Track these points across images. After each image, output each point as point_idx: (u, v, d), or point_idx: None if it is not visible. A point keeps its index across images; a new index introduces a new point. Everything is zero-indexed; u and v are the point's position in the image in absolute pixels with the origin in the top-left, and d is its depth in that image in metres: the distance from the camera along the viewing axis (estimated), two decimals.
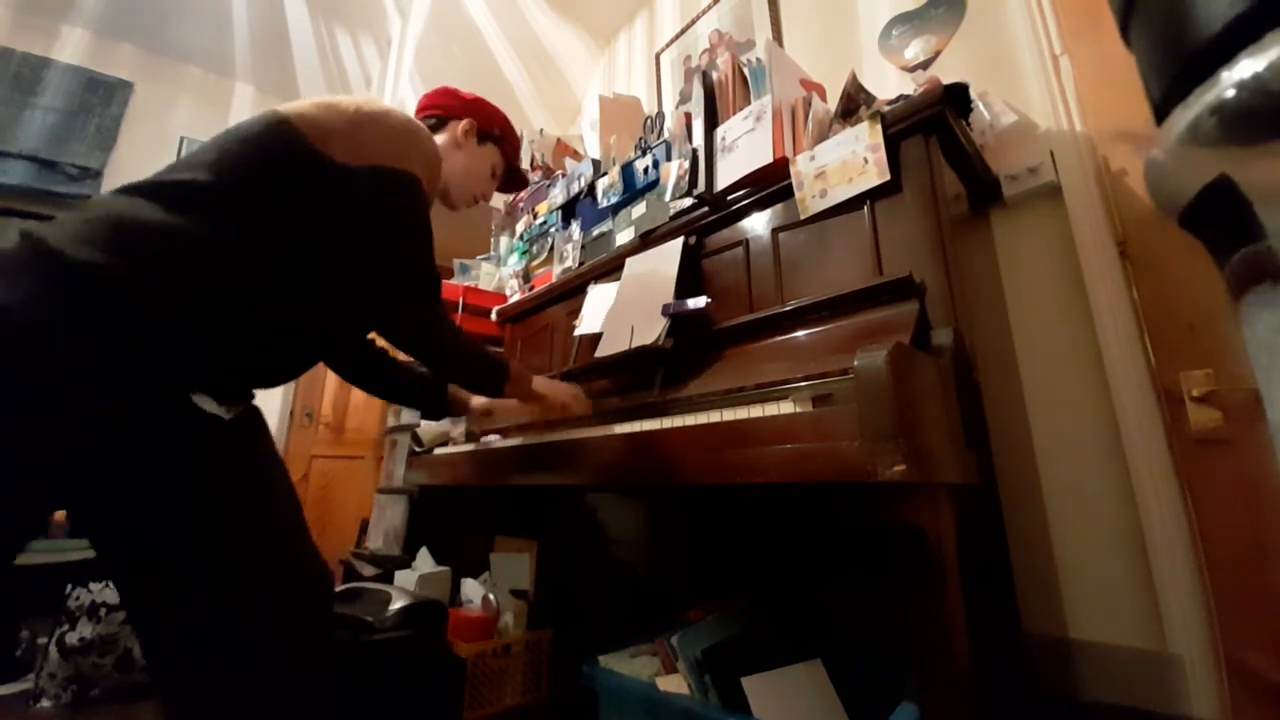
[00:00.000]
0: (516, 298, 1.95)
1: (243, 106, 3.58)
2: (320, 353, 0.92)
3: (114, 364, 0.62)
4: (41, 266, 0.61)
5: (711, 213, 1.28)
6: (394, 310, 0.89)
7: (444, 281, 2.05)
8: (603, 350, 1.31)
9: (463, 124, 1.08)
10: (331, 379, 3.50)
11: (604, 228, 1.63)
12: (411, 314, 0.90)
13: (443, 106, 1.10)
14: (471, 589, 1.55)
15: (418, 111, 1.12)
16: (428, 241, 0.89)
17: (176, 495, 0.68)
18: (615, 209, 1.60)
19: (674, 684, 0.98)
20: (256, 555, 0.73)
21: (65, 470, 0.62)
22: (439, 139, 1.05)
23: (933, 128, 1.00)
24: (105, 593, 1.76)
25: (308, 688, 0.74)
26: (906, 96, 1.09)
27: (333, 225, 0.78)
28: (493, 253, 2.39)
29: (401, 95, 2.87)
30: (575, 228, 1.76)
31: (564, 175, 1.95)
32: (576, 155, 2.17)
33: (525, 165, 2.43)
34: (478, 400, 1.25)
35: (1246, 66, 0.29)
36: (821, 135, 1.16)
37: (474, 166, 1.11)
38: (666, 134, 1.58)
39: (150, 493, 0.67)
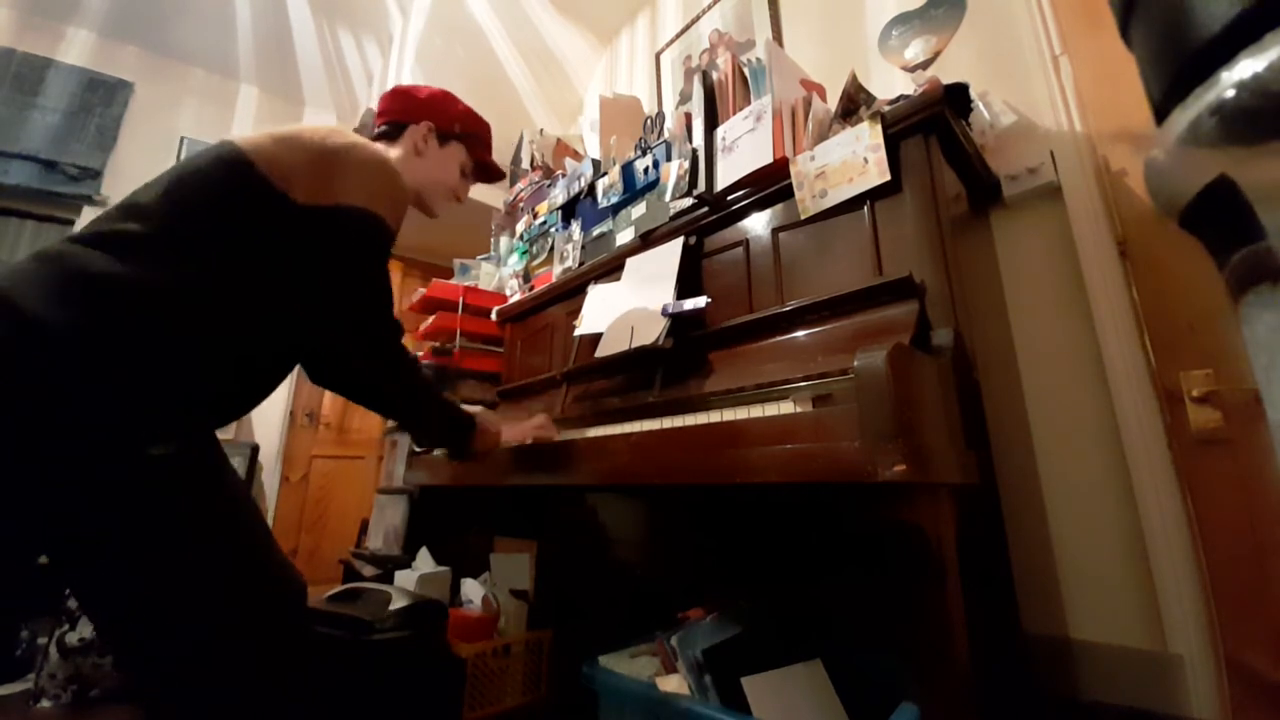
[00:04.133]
0: (516, 298, 1.95)
1: (246, 108, 3.58)
2: (280, 378, 0.90)
3: (65, 418, 0.61)
4: (6, 322, 0.61)
5: (711, 213, 1.29)
6: (346, 348, 0.86)
7: (444, 281, 2.07)
8: (603, 350, 1.31)
9: (420, 129, 1.04)
10: None
11: (604, 228, 1.63)
12: (365, 352, 0.87)
13: (398, 111, 1.05)
14: (471, 589, 1.55)
15: (377, 117, 1.08)
16: (384, 281, 0.88)
17: (134, 542, 0.68)
18: (615, 209, 1.60)
19: (674, 684, 0.97)
20: (221, 578, 0.72)
21: (34, 519, 0.63)
22: (398, 148, 1.02)
23: (933, 128, 1.00)
24: None
25: (280, 701, 0.74)
26: (906, 96, 1.09)
27: (291, 265, 0.77)
28: (493, 253, 2.40)
29: None
30: (575, 228, 1.76)
31: (564, 175, 1.95)
32: (576, 155, 2.17)
33: (525, 165, 2.44)
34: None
35: (1246, 67, 0.29)
36: (821, 135, 1.16)
37: (440, 171, 1.07)
38: (666, 134, 1.58)
39: (110, 542, 0.67)
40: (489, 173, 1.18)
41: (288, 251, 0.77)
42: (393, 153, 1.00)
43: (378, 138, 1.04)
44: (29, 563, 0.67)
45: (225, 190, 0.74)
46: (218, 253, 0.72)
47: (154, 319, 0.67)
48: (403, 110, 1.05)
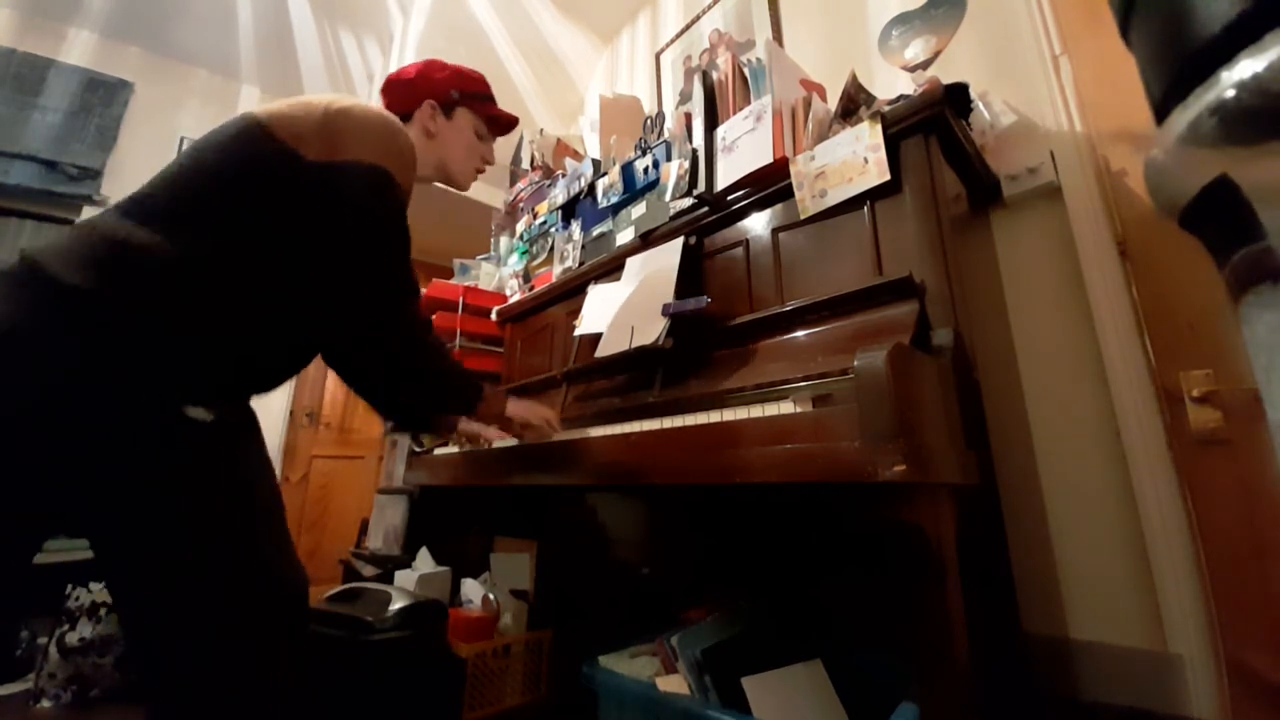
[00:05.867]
0: (516, 298, 1.95)
1: (248, 108, 3.57)
2: (313, 351, 0.88)
3: (104, 380, 0.63)
4: (38, 289, 0.63)
5: (711, 213, 1.29)
6: (351, 311, 0.81)
7: (445, 282, 2.07)
8: (603, 350, 1.31)
9: (424, 111, 1.04)
10: (332, 379, 3.50)
11: (604, 228, 1.63)
12: (372, 313, 0.82)
13: (398, 101, 1.05)
14: (471, 589, 1.55)
15: None
16: (395, 238, 0.85)
17: (163, 501, 0.69)
18: (615, 209, 1.60)
19: (674, 684, 0.98)
20: (231, 559, 0.73)
21: (61, 478, 0.64)
22: (411, 134, 0.99)
23: (933, 128, 1.00)
24: (105, 593, 1.76)
25: (275, 694, 0.74)
26: (906, 96, 1.09)
27: (308, 224, 0.77)
28: (493, 253, 2.40)
29: None
30: (575, 228, 1.76)
31: (564, 175, 1.95)
32: (576, 155, 2.17)
33: (525, 165, 2.44)
34: (466, 425, 1.17)
35: (1246, 67, 0.29)
36: (821, 135, 1.16)
37: (457, 142, 1.07)
38: (666, 134, 1.58)
39: (139, 499, 0.68)
40: (501, 124, 1.15)
41: (301, 214, 0.76)
42: None
43: None
44: (35, 548, 0.67)
45: (244, 154, 0.76)
46: (243, 219, 0.73)
47: (185, 286, 0.68)
48: (401, 99, 1.05)
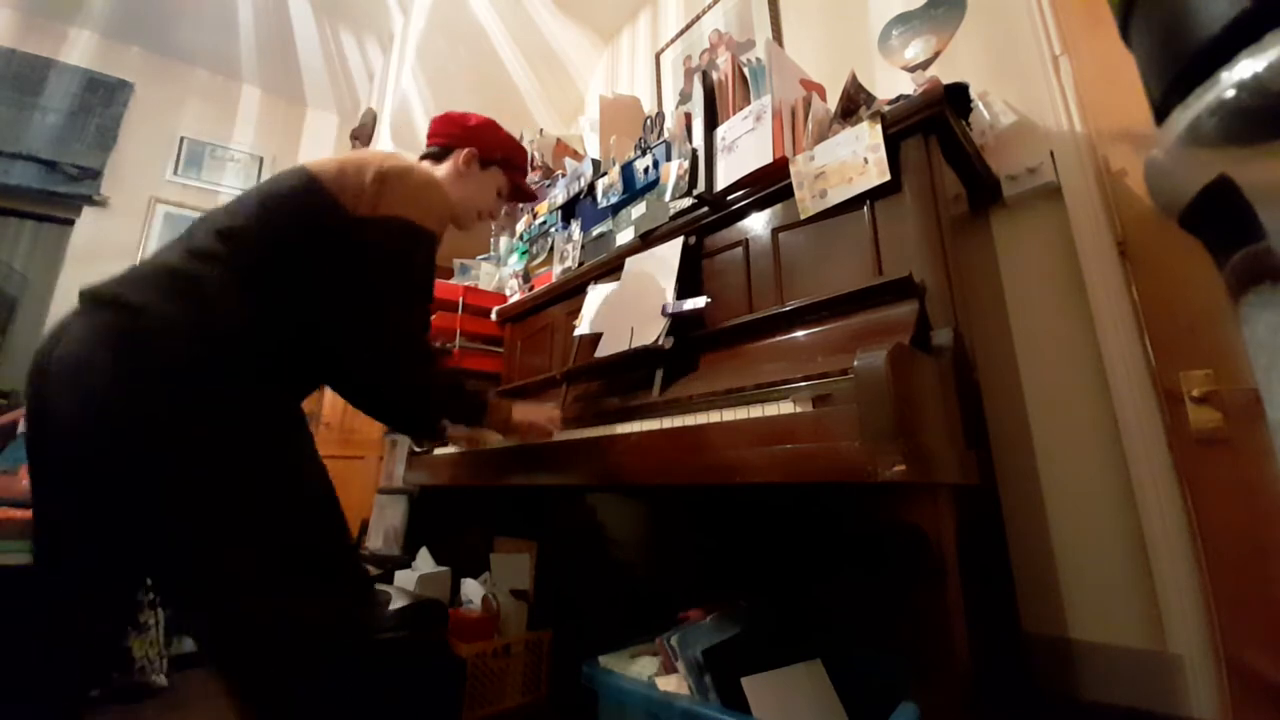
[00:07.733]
0: (516, 298, 1.95)
1: (249, 108, 3.57)
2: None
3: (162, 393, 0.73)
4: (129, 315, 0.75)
5: (711, 213, 1.28)
6: (370, 344, 0.92)
7: (445, 282, 2.07)
8: (603, 350, 1.31)
9: (465, 153, 1.16)
10: None
11: (604, 228, 1.63)
12: (390, 347, 0.94)
13: (448, 135, 1.18)
14: (471, 589, 1.55)
15: (428, 138, 1.20)
16: (418, 281, 0.96)
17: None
18: (615, 209, 1.60)
19: (674, 684, 0.97)
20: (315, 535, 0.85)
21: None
22: (443, 168, 1.15)
23: (933, 128, 1.00)
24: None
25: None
26: (906, 96, 1.09)
27: (344, 268, 0.88)
28: (493, 253, 2.39)
29: (404, 90, 2.89)
30: (575, 228, 1.76)
31: (564, 175, 1.95)
32: (576, 155, 2.17)
33: (527, 169, 2.44)
34: (455, 430, 1.25)
35: (1246, 67, 0.29)
36: (821, 135, 1.16)
37: (477, 192, 1.19)
38: (666, 134, 1.58)
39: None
40: (523, 194, 1.30)
41: (340, 260, 0.87)
42: (438, 172, 1.13)
43: (425, 157, 1.18)
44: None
45: (304, 210, 0.88)
46: (298, 264, 0.85)
47: (248, 313, 0.80)
48: (451, 135, 1.18)
